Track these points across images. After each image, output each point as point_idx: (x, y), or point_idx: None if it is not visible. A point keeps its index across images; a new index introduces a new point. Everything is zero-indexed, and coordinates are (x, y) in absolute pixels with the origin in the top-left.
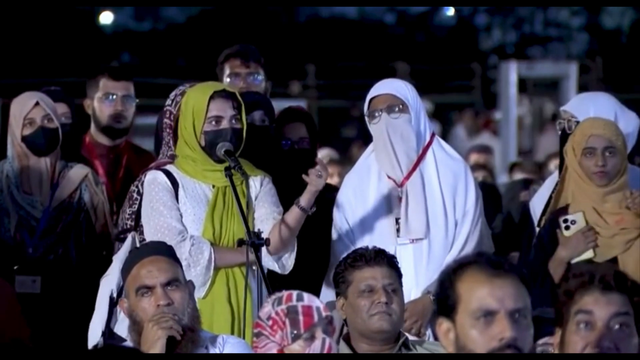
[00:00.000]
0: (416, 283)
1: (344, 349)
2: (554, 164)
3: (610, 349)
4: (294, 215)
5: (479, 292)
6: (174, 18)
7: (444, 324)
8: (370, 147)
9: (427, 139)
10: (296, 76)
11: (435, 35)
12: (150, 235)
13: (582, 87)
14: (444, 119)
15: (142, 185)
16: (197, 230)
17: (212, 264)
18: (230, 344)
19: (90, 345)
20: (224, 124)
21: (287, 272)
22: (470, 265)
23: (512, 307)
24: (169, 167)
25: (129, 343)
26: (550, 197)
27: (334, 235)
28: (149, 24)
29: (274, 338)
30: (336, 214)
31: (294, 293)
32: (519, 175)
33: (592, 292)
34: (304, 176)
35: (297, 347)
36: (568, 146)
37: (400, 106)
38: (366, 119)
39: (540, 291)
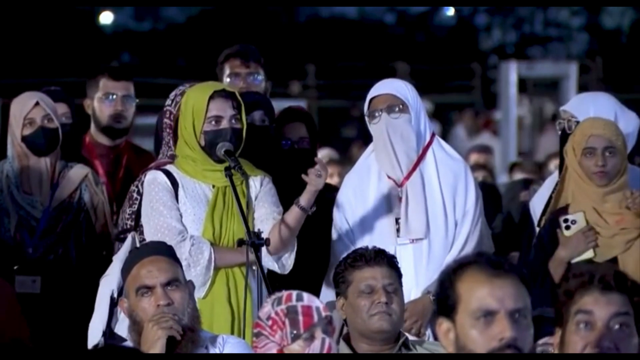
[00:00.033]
0: (416, 283)
1: (344, 349)
2: (554, 164)
3: (610, 349)
4: (293, 215)
5: (479, 292)
6: (174, 18)
7: (444, 324)
8: (370, 147)
9: (427, 139)
10: (296, 76)
11: (435, 35)
12: (150, 235)
13: (582, 87)
14: (444, 119)
15: (142, 185)
16: (197, 230)
17: (212, 264)
18: (230, 344)
19: (90, 345)
20: (224, 124)
21: (286, 272)
22: (470, 265)
23: (512, 307)
24: (168, 167)
25: (129, 343)
26: (550, 197)
27: (334, 235)
28: (149, 24)
29: (273, 338)
30: (336, 214)
31: (294, 293)
32: (519, 175)
33: (592, 292)
34: (303, 176)
35: (296, 347)
36: (568, 146)
37: (401, 106)
38: (366, 119)
39: (540, 291)
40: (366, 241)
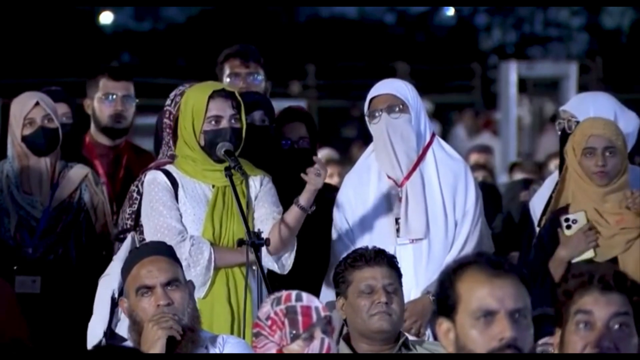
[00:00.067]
0: (416, 283)
1: (344, 349)
2: (554, 164)
3: (610, 349)
4: (293, 214)
5: (479, 292)
6: (174, 18)
7: (444, 324)
8: (371, 147)
9: (427, 139)
10: (296, 76)
11: (435, 35)
12: (150, 235)
13: (582, 87)
14: (444, 119)
15: (142, 185)
16: (197, 230)
17: (212, 264)
18: (230, 344)
19: (89, 345)
20: (224, 124)
21: (286, 272)
22: (470, 265)
23: (512, 307)
24: (168, 167)
25: (129, 343)
26: (551, 197)
27: (334, 235)
28: (149, 24)
29: (272, 338)
30: (336, 214)
31: (293, 293)
32: (519, 175)
33: (591, 292)
34: (302, 175)
35: (296, 347)
36: (568, 146)
37: (401, 106)
38: (366, 119)
39: (540, 291)
40: (366, 241)
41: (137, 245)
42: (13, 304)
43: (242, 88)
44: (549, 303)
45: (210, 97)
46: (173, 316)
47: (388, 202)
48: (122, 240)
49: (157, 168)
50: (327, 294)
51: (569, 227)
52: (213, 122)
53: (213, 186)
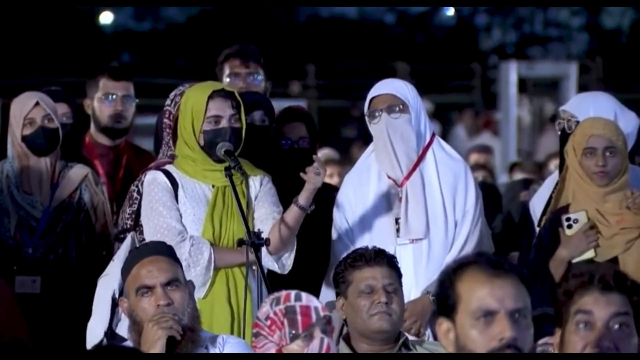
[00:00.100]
0: (416, 283)
1: (344, 349)
2: (554, 164)
3: (610, 349)
4: (293, 214)
5: (479, 292)
6: (174, 18)
7: (444, 324)
8: (371, 147)
9: (427, 139)
10: (296, 76)
11: (435, 35)
12: (149, 235)
13: (582, 87)
14: (444, 119)
15: (142, 185)
16: (196, 230)
17: (212, 264)
18: (230, 344)
19: (89, 345)
20: (223, 124)
21: (286, 272)
22: (470, 265)
23: (512, 307)
24: (168, 167)
25: (129, 343)
26: (551, 197)
27: (334, 235)
28: (149, 24)
29: (272, 338)
30: (336, 214)
31: (292, 293)
32: (519, 175)
33: (591, 292)
34: (302, 174)
35: (295, 347)
36: (568, 146)
37: (401, 106)
38: (366, 119)
39: (540, 291)
40: (366, 241)
41: (137, 245)
42: (13, 304)
43: (242, 88)
44: (549, 303)
45: (210, 97)
46: (173, 316)
47: (388, 202)
48: (122, 240)
49: (157, 168)
50: (327, 294)
51: (569, 226)
52: (213, 122)
53: (213, 186)
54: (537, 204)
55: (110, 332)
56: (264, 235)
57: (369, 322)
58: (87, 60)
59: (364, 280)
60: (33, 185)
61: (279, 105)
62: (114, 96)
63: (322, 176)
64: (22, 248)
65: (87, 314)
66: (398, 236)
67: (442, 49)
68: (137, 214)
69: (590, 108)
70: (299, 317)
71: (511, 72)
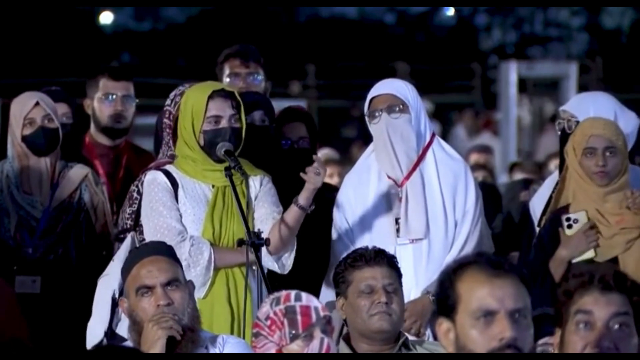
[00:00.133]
0: (416, 283)
1: (344, 349)
2: (554, 164)
3: (610, 349)
4: (292, 214)
5: (479, 292)
6: (174, 18)
7: (444, 324)
8: (371, 147)
9: (427, 139)
10: (296, 76)
11: (435, 35)
12: (149, 235)
13: (582, 87)
14: (444, 119)
15: (142, 185)
16: (196, 230)
17: (212, 264)
18: (230, 344)
19: (88, 345)
20: (223, 124)
21: (286, 272)
22: (470, 265)
23: (512, 307)
24: (168, 167)
25: (129, 343)
26: (551, 197)
27: (334, 235)
28: (149, 24)
29: (272, 338)
30: (336, 214)
31: (292, 293)
32: (519, 175)
33: (591, 292)
34: (302, 174)
35: (295, 347)
36: (569, 146)
37: (401, 106)
38: (366, 119)
39: (540, 291)
40: (366, 241)
41: (137, 245)
42: (13, 304)
43: (242, 88)
44: (549, 303)
45: (210, 97)
46: (173, 316)
47: (388, 202)
48: (122, 240)
49: (157, 168)
50: (327, 294)
51: (570, 226)
52: (212, 122)
53: (213, 186)
54: (537, 204)
55: (110, 332)
56: (264, 235)
57: (369, 322)
58: (87, 60)
59: (364, 280)
60: (33, 185)
61: (279, 105)
62: (114, 96)
63: (322, 176)
64: (22, 248)
65: (87, 314)
66: (398, 236)
67: (442, 49)
68: (137, 214)
69: (590, 108)
70: (299, 317)
71: (511, 72)
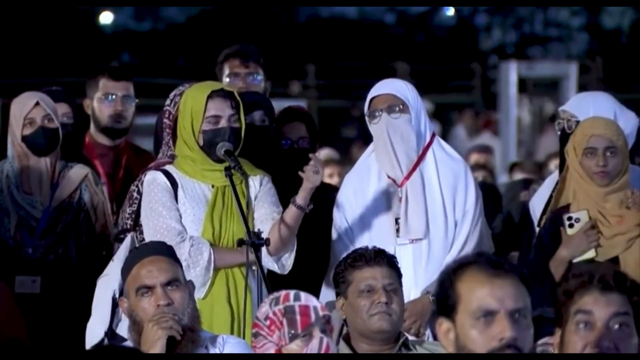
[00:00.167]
0: (415, 283)
1: (344, 349)
2: (554, 164)
3: (609, 349)
4: (291, 214)
5: (479, 292)
6: (174, 18)
7: (444, 324)
8: (371, 147)
9: (428, 139)
10: (296, 76)
11: (435, 35)
12: (149, 236)
13: (582, 87)
14: (444, 119)
15: (142, 185)
16: (196, 230)
17: (212, 264)
18: (230, 344)
19: (88, 346)
20: (222, 123)
21: (286, 272)
22: (470, 265)
23: (512, 307)
24: (168, 168)
25: (129, 343)
26: (551, 197)
27: (334, 235)
28: (149, 24)
29: (271, 338)
30: (336, 214)
31: (291, 293)
32: (519, 175)
33: (591, 292)
34: (300, 173)
35: (294, 347)
36: (569, 146)
37: (401, 106)
38: (366, 118)
39: (540, 291)
40: (366, 241)
41: (137, 245)
42: (11, 304)
43: (242, 88)
44: (549, 303)
45: (209, 97)
46: (173, 316)
47: (388, 202)
48: (121, 241)
49: (157, 168)
50: (327, 294)
51: (571, 225)
52: (212, 122)
53: (212, 186)
54: (537, 203)
55: (111, 332)
56: (264, 236)
57: (369, 322)
58: (87, 60)
59: (364, 280)
60: (33, 185)
61: (279, 105)
62: (114, 96)
63: (320, 174)
64: (22, 248)
65: (87, 314)
66: (398, 236)
67: (442, 49)
68: (137, 214)
69: (590, 108)
70: (298, 317)
71: (511, 72)
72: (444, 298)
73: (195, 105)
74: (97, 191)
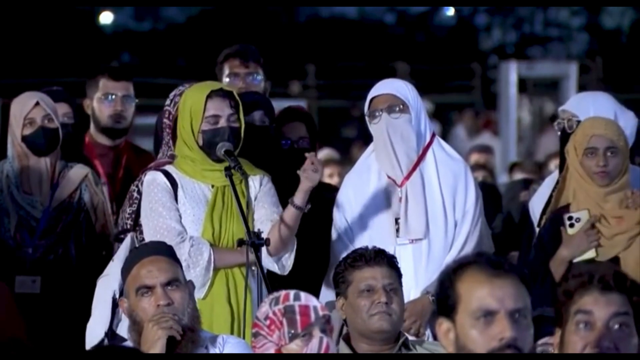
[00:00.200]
0: (415, 283)
1: (344, 349)
2: (554, 164)
3: (609, 349)
4: (290, 214)
5: (479, 292)
6: (174, 18)
7: (444, 324)
8: (371, 147)
9: (428, 139)
10: (296, 76)
11: (435, 35)
12: (149, 236)
13: (582, 87)
14: (444, 119)
15: (142, 185)
16: (196, 230)
17: (212, 264)
18: (230, 344)
19: (88, 346)
20: (222, 123)
21: (286, 273)
22: (470, 265)
23: (512, 307)
24: (167, 168)
25: (129, 343)
26: (551, 196)
27: (334, 235)
28: (149, 24)
29: (271, 338)
30: (336, 214)
31: (291, 292)
32: (519, 175)
33: (591, 292)
34: (299, 172)
35: (294, 347)
36: (569, 145)
37: (401, 106)
38: (366, 118)
39: (540, 291)
40: (366, 241)
41: (137, 245)
42: (11, 304)
43: (242, 88)
44: (549, 303)
45: (208, 96)
46: (173, 316)
47: (388, 202)
48: (121, 241)
49: (157, 168)
50: (327, 294)
51: (572, 225)
52: (211, 122)
53: (212, 186)
54: (537, 203)
55: (111, 332)
56: (264, 236)
57: (369, 322)
58: (87, 60)
59: (364, 280)
60: (33, 185)
61: (279, 105)
62: (114, 96)
63: (319, 173)
64: (22, 248)
65: (87, 314)
66: (398, 236)
67: (442, 49)
68: (137, 214)
69: (591, 107)
70: (298, 317)
71: (511, 72)
72: (444, 298)
73: (194, 105)
74: (97, 191)
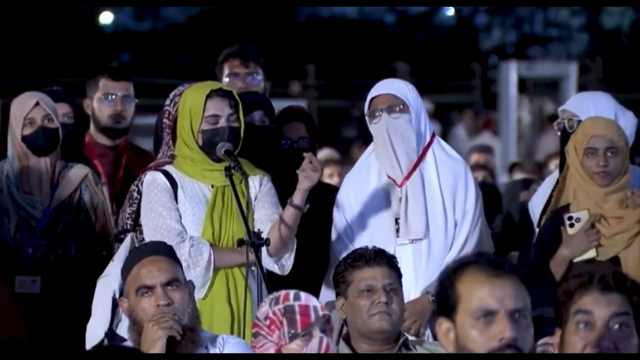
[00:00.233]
0: (415, 283)
1: (344, 349)
2: (554, 164)
3: (609, 349)
4: (289, 214)
5: (479, 292)
6: (174, 18)
7: (444, 324)
8: (371, 147)
9: (428, 139)
10: (296, 76)
11: (435, 35)
12: (149, 236)
13: (582, 87)
14: (444, 119)
15: (142, 185)
16: (196, 230)
17: (212, 264)
18: (230, 344)
19: (88, 346)
20: (222, 123)
21: (286, 273)
22: (470, 265)
23: (512, 307)
24: (167, 168)
25: (129, 343)
26: (551, 196)
27: (334, 235)
28: (149, 24)
29: (271, 338)
30: (336, 214)
31: (291, 292)
32: (519, 175)
33: (591, 292)
34: (298, 172)
35: (294, 347)
36: (570, 145)
37: (401, 106)
38: (366, 118)
39: (540, 291)
40: (366, 241)
41: (137, 246)
42: (11, 304)
43: (241, 88)
44: (549, 303)
45: (208, 96)
46: (173, 316)
47: (388, 202)
48: (121, 241)
49: (157, 168)
50: (327, 294)
51: (572, 225)
52: (211, 122)
53: (212, 186)
54: (537, 203)
55: (111, 333)
56: (264, 236)
57: (369, 322)
58: (87, 60)
59: (364, 280)
60: (33, 185)
61: (279, 105)
62: (114, 96)
63: (318, 173)
64: (22, 248)
65: (87, 314)
66: (398, 236)
67: (442, 49)
68: (137, 214)
69: (591, 107)
70: (298, 317)
71: (511, 72)
72: (444, 298)
73: (194, 105)
74: (97, 191)
